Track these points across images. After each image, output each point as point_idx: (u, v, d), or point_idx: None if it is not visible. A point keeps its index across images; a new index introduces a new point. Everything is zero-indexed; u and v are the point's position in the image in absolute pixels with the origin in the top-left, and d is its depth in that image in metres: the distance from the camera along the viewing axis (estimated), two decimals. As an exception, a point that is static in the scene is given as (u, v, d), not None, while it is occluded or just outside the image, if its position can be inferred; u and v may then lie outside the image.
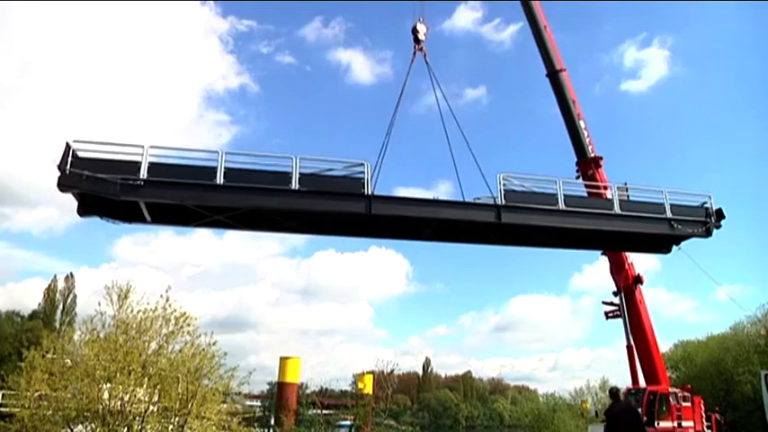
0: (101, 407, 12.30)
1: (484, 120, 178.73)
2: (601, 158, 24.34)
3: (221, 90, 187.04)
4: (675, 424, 23.32)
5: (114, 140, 14.36)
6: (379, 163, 17.69)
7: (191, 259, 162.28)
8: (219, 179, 14.32)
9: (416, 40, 21.50)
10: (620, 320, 26.12)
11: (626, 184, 23.68)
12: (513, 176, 17.26)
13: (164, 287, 16.19)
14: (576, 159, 25.08)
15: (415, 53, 21.51)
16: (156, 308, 14.01)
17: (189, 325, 14.35)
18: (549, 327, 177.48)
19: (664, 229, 18.20)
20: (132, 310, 14.21)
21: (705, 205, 18.45)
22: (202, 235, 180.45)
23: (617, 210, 17.66)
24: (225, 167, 14.53)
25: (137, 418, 12.59)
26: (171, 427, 13.00)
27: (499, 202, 16.65)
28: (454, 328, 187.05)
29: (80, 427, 12.55)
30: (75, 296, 67.18)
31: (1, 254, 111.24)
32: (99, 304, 14.45)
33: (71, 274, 69.41)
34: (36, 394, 13.08)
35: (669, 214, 17.84)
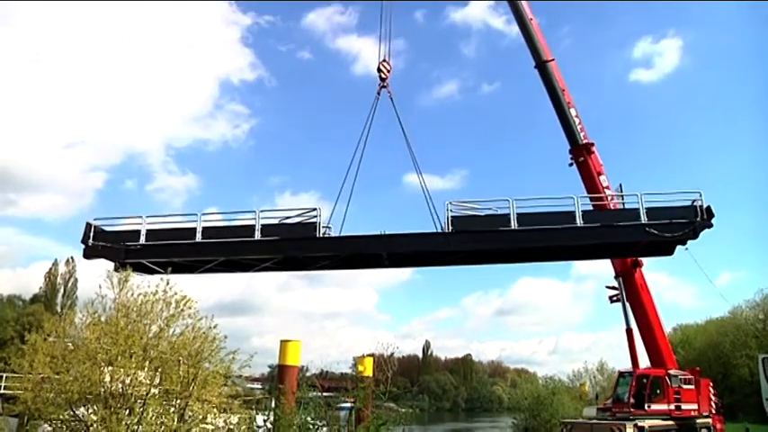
0: (102, 389, 12.40)
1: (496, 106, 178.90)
2: (592, 145, 24.58)
3: (238, 82, 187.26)
4: (672, 407, 23.51)
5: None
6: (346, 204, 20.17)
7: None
8: (198, 237, 18.13)
9: (381, 79, 22.31)
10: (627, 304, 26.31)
11: (621, 185, 23.92)
12: (461, 202, 18.39)
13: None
14: (568, 147, 25.23)
15: (379, 92, 21.87)
16: (156, 291, 14.09)
17: (190, 308, 14.44)
18: (550, 311, 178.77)
19: (637, 237, 17.88)
20: (133, 294, 14.29)
21: (696, 203, 17.70)
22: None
23: (579, 222, 17.55)
24: (202, 227, 18.30)
25: (138, 401, 12.69)
26: (172, 409, 13.11)
27: (446, 230, 17.80)
28: (457, 311, 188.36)
29: (82, 409, 12.67)
30: (75, 280, 67.53)
31: (9, 239, 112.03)
32: (100, 287, 14.52)
33: (72, 258, 69.52)
34: (38, 377, 13.19)
35: (644, 219, 17.46)
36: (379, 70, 22.61)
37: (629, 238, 18.30)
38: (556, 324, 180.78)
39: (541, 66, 25.14)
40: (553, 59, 25.16)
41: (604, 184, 23.96)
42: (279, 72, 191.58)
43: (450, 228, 17.89)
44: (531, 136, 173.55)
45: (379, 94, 22.07)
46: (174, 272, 15.95)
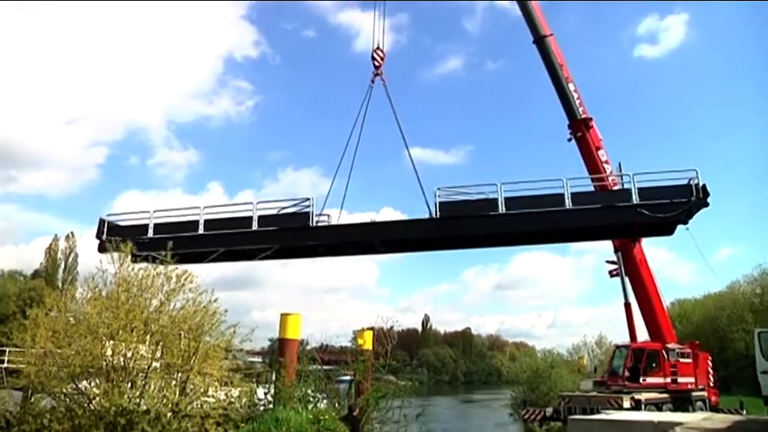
0: (104, 363, 12.52)
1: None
2: (591, 120, 24.50)
3: (241, 58, 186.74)
4: (669, 380, 23.76)
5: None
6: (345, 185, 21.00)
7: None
8: (200, 229, 19.31)
9: (375, 67, 22.35)
10: (625, 278, 26.46)
11: (620, 164, 23.86)
12: (450, 188, 18.68)
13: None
14: (567, 122, 25.15)
15: (373, 80, 21.92)
16: (156, 266, 14.17)
17: (191, 282, 14.54)
18: (550, 285, 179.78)
19: (629, 218, 17.73)
20: (134, 268, 14.35)
21: (692, 182, 17.38)
22: (214, 194, 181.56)
23: (568, 205, 17.50)
24: (204, 219, 19.42)
25: (140, 374, 12.83)
26: (174, 382, 13.25)
27: (434, 216, 18.15)
28: (457, 285, 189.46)
29: (85, 382, 12.81)
30: (76, 255, 67.73)
31: (10, 215, 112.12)
32: (100, 262, 14.58)
33: (72, 233, 69.81)
34: (41, 351, 13.31)
35: (636, 200, 17.30)
36: (372, 58, 22.69)
37: (620, 220, 18.12)
38: (555, 298, 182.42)
39: (540, 41, 24.96)
40: (551, 34, 24.96)
41: (603, 159, 23.92)
42: (282, 48, 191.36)
43: (438, 213, 18.23)
44: (536, 112, 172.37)
45: (372, 81, 22.21)
46: (182, 262, 16.11)
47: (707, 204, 16.99)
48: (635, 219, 17.58)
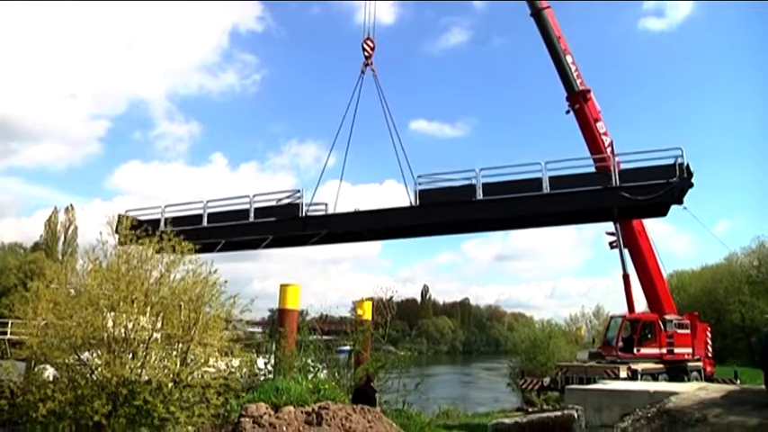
0: (105, 335, 12.61)
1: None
2: (589, 92, 24.32)
3: (246, 32, 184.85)
4: (664, 350, 23.99)
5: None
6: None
7: (203, 192, 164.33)
8: (204, 222, 20.72)
9: (366, 57, 22.48)
10: (624, 250, 26.53)
11: (612, 142, 23.70)
12: (431, 175, 19.12)
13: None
14: (565, 95, 24.99)
15: (363, 70, 22.27)
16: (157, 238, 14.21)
17: (191, 253, 14.62)
18: (550, 256, 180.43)
19: (609, 202, 17.46)
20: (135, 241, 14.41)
21: (679, 162, 16.66)
22: (217, 166, 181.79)
23: (546, 189, 17.30)
24: (208, 213, 20.89)
25: (141, 345, 12.94)
26: (174, 353, 13.37)
27: (414, 204, 18.63)
28: (457, 255, 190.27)
29: (87, 353, 12.93)
30: (75, 228, 67.65)
31: (12, 188, 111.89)
32: (100, 234, 14.62)
33: (71, 205, 69.70)
34: (42, 323, 13.41)
35: (616, 182, 16.91)
36: (363, 49, 22.72)
37: (600, 204, 17.86)
38: (554, 270, 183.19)
39: (537, 14, 24.75)
40: (549, 7, 24.76)
41: (602, 131, 23.82)
42: (287, 22, 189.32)
43: (417, 201, 18.58)
44: (539, 85, 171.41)
45: (363, 72, 22.21)
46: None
47: (691, 185, 16.43)
48: (615, 203, 17.35)
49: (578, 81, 24.33)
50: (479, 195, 17.77)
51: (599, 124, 23.95)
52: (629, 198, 16.81)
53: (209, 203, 21.38)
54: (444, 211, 18.67)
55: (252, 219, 20.32)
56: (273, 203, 20.59)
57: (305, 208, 19.94)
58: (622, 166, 17.71)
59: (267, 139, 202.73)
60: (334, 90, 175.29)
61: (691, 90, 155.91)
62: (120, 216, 19.24)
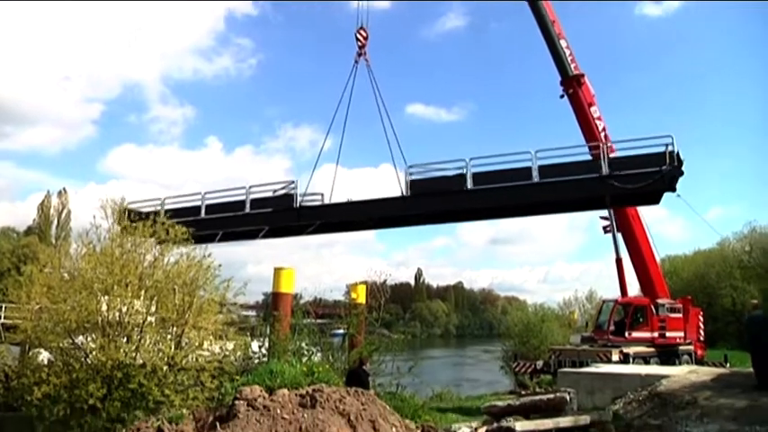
0: (100, 318, 12.61)
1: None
2: (583, 76, 24.24)
3: (241, 16, 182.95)
4: (656, 334, 24.20)
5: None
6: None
7: (198, 176, 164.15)
8: (202, 214, 20.82)
9: (359, 47, 22.43)
10: (618, 234, 26.65)
11: (604, 127, 23.68)
12: (423, 165, 19.31)
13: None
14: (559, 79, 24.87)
15: (357, 60, 22.23)
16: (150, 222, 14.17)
17: (185, 237, 14.60)
18: (544, 240, 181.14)
19: (598, 191, 17.39)
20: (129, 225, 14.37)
21: (669, 150, 16.46)
22: (212, 150, 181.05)
23: (536, 178, 17.27)
24: (206, 204, 21.11)
25: (135, 329, 12.95)
26: (169, 336, 13.40)
27: (404, 194, 18.72)
28: (452, 239, 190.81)
29: (81, 337, 12.94)
30: (69, 211, 67.47)
31: (5, 172, 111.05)
32: (94, 217, 14.58)
33: (64, 189, 69.38)
34: (36, 307, 13.40)
35: (606, 171, 16.78)
36: (356, 39, 22.63)
37: (589, 193, 17.79)
38: (548, 254, 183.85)
39: None
40: None
41: (596, 115, 23.80)
42: (283, 5, 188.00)
43: (409, 192, 18.67)
44: (535, 70, 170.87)
45: (356, 62, 22.17)
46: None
47: (681, 173, 16.34)
48: (606, 191, 17.29)
49: (572, 66, 24.26)
50: (470, 185, 17.76)
51: (593, 109, 23.93)
52: (618, 187, 16.76)
53: (207, 195, 21.57)
54: (435, 201, 18.74)
55: (248, 210, 20.50)
56: (270, 194, 20.74)
57: (299, 198, 20.03)
58: (615, 154, 17.72)
59: (262, 123, 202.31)
60: (329, 74, 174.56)
61: (689, 76, 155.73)
62: (121, 209, 19.19)
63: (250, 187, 21.07)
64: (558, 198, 18.02)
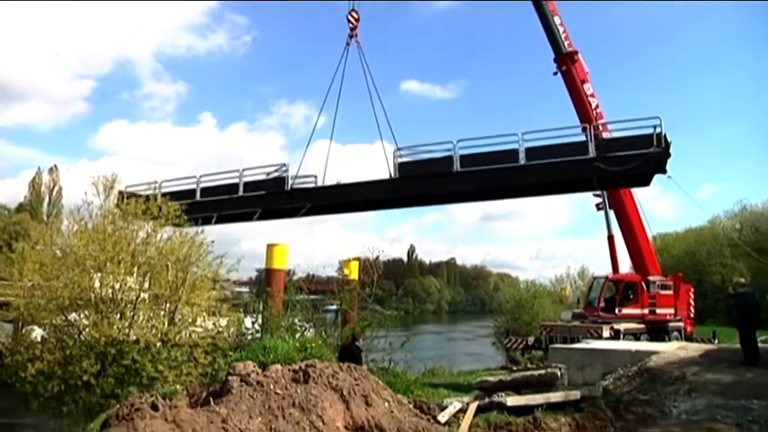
0: (93, 295, 12.64)
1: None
2: (576, 53, 24.02)
3: None
4: (646, 311, 24.42)
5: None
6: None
7: (190, 152, 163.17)
8: (197, 197, 20.81)
9: (351, 29, 22.00)
10: (610, 211, 26.75)
11: (598, 104, 23.60)
12: (411, 147, 19.24)
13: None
14: (553, 56, 24.65)
15: (348, 42, 21.83)
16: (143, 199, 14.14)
17: (177, 214, 14.58)
18: (535, 217, 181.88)
19: (584, 173, 17.20)
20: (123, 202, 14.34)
21: (657, 131, 16.05)
22: (206, 126, 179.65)
23: (522, 161, 17.10)
24: (201, 187, 21.19)
25: (128, 305, 12.99)
26: (162, 313, 13.45)
27: (393, 176, 18.62)
28: (444, 215, 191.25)
29: (74, 314, 12.95)
30: (60, 188, 67.06)
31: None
32: (85, 194, 14.50)
33: (55, 166, 68.99)
34: (29, 284, 13.38)
35: (592, 153, 16.52)
36: (348, 21, 22.22)
37: (576, 175, 17.60)
38: (540, 230, 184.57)
39: None
40: None
41: (589, 92, 23.71)
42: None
43: (397, 174, 18.56)
44: (529, 49, 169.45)
45: (348, 44, 21.90)
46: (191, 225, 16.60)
47: (669, 155, 16.02)
48: (592, 173, 17.10)
49: (566, 43, 24.07)
50: (457, 167, 17.74)
51: (586, 86, 23.81)
52: (604, 169, 16.55)
53: (203, 178, 21.64)
54: (423, 184, 18.67)
55: (241, 193, 20.58)
56: (263, 177, 20.72)
57: (291, 181, 20.03)
58: (609, 134, 17.70)
59: (256, 100, 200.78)
60: (324, 51, 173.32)
61: (683, 56, 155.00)
62: (120, 192, 19.01)
63: (243, 170, 21.09)
64: (545, 180, 17.88)
